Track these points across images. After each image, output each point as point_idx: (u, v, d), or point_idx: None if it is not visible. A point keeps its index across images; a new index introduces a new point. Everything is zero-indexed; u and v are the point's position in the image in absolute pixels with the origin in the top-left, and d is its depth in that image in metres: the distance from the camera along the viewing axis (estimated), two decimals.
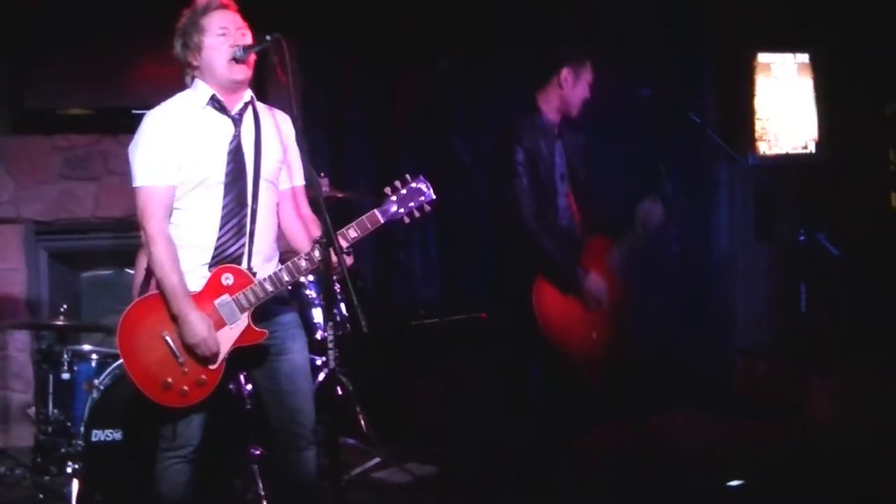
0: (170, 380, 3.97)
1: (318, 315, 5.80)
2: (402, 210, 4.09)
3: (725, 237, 7.48)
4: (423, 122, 7.26)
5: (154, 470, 4.15)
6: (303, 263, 4.03)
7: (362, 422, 6.06)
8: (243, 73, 4.06)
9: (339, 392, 5.73)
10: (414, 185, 4.11)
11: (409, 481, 5.86)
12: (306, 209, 4.30)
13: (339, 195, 5.55)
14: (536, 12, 7.13)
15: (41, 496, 5.52)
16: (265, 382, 4.21)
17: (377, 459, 5.96)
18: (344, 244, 3.95)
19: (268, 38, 4.00)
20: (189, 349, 3.98)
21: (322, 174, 4.13)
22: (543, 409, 5.83)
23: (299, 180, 4.29)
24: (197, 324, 3.94)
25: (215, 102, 4.09)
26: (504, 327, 6.34)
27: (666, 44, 7.17)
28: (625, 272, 5.25)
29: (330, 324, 3.96)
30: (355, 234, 4.03)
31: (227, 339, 4.02)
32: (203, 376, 4.00)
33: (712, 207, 7.39)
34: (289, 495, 4.31)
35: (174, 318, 3.97)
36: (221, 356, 4.01)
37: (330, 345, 3.88)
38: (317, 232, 4.07)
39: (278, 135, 4.21)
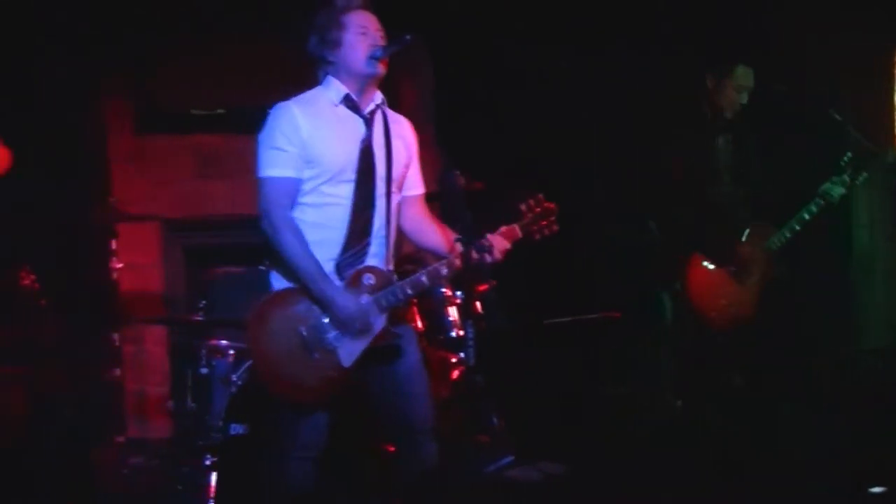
0: (301, 376, 4.00)
1: (452, 313, 5.83)
2: (535, 227, 4.22)
3: (865, 236, 7.30)
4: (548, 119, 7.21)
5: (278, 467, 4.17)
6: (443, 270, 4.10)
7: (495, 420, 6.05)
8: (380, 71, 4.09)
9: (474, 390, 5.73)
10: (547, 204, 4.22)
11: (541, 480, 5.83)
12: (430, 215, 4.37)
13: (475, 188, 5.56)
14: (662, 11, 7.05)
15: (179, 487, 5.62)
16: (383, 383, 4.20)
17: (509, 458, 5.95)
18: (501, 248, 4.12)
19: (406, 38, 4.05)
20: (323, 344, 4.01)
21: (458, 171, 4.17)
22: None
23: (421, 187, 4.37)
24: (344, 300, 3.99)
25: (348, 101, 4.13)
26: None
27: (801, 39, 7.01)
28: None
29: (469, 321, 3.99)
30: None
31: (362, 339, 4.05)
32: (335, 374, 4.03)
33: (852, 206, 7.22)
34: (412, 492, 4.30)
35: (310, 308, 4.00)
36: (356, 355, 4.04)
37: (469, 342, 3.89)
38: (445, 236, 4.20)
39: (405, 140, 4.28)
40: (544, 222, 4.22)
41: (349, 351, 4.03)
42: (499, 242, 4.12)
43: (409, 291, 4.09)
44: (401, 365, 4.15)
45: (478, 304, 5.80)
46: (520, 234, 4.19)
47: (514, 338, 6.48)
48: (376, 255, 4.11)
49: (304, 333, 4.01)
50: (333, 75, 4.14)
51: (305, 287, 4.01)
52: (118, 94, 7.13)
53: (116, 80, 7.11)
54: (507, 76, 7.04)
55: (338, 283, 4.05)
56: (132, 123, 7.15)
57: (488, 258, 4.02)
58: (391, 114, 4.27)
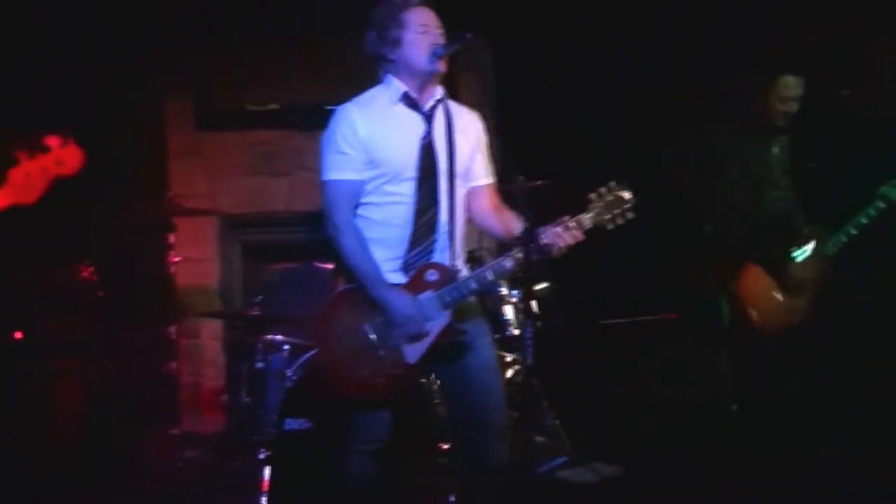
0: (366, 372, 4.00)
1: (508, 312, 5.82)
2: (607, 216, 4.06)
3: None
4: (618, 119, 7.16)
5: (340, 461, 4.18)
6: (507, 263, 4.02)
7: (550, 420, 6.03)
8: (441, 68, 4.07)
9: (529, 390, 5.72)
10: (618, 191, 4.08)
11: (595, 481, 5.81)
12: (500, 204, 4.30)
13: (535, 184, 5.52)
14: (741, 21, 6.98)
15: (231, 481, 5.64)
16: (455, 379, 4.18)
17: (563, 458, 5.93)
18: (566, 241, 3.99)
19: (468, 36, 4.02)
20: (388, 342, 4.00)
21: (518, 171, 4.15)
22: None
23: (490, 177, 4.31)
24: (400, 302, 3.98)
25: (407, 99, 4.11)
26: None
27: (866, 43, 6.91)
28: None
29: (528, 321, 3.95)
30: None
31: (427, 336, 4.03)
32: (400, 371, 4.02)
33: None
34: (476, 491, 4.25)
35: (376, 306, 4.00)
36: (420, 352, 4.03)
37: (528, 342, 3.86)
38: (514, 226, 4.10)
39: (468, 132, 4.22)
40: (617, 210, 4.06)
41: (414, 348, 4.02)
42: (566, 237, 4.00)
43: (474, 286, 4.05)
44: (472, 361, 4.12)
45: (533, 303, 5.79)
46: (588, 224, 4.04)
47: (569, 338, 6.46)
48: (443, 250, 4.09)
49: (369, 332, 4.02)
50: (393, 73, 4.13)
51: (363, 288, 4.02)
52: (178, 90, 7.17)
53: (176, 75, 7.15)
54: (570, 72, 7.00)
55: (403, 280, 4.05)
56: (192, 119, 7.18)
57: (554, 252, 3.99)
58: (454, 106, 4.23)
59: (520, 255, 3.96)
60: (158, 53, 7.03)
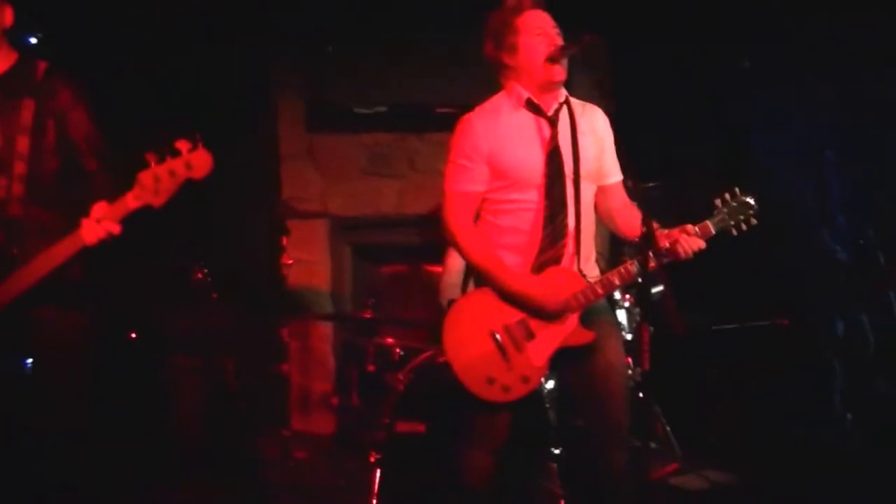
0: (494, 376, 3.99)
1: (621, 316, 5.75)
2: (731, 223, 4.03)
3: None
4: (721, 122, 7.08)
5: (459, 461, 4.17)
6: (634, 268, 4.00)
7: (661, 426, 5.98)
8: (560, 74, 4.02)
9: (641, 395, 5.67)
10: (744, 198, 4.04)
11: (706, 488, 5.75)
12: (628, 202, 4.25)
13: (650, 186, 5.49)
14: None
15: (342, 482, 5.68)
16: (579, 381, 4.13)
17: (676, 465, 5.88)
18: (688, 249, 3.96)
19: (584, 38, 3.98)
20: (516, 345, 4.00)
21: (635, 179, 4.11)
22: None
23: (617, 175, 4.25)
24: (530, 286, 3.98)
25: (531, 104, 4.07)
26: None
27: None
28: None
29: (647, 325, 3.90)
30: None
31: (553, 339, 4.03)
32: (527, 374, 4.01)
33: None
34: (589, 496, 4.24)
35: (503, 309, 4.00)
36: (547, 355, 4.02)
37: (645, 347, 3.81)
38: (638, 226, 4.03)
39: (594, 131, 4.16)
40: (742, 217, 4.02)
41: (541, 351, 4.02)
42: (691, 244, 3.96)
43: (600, 291, 4.03)
44: (599, 361, 4.07)
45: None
46: (713, 230, 4.01)
47: (680, 343, 6.39)
48: (574, 254, 4.06)
49: (497, 337, 4.02)
50: (514, 79, 4.10)
51: (493, 285, 4.02)
52: (290, 92, 7.25)
53: (288, 77, 7.23)
54: (688, 72, 6.93)
55: None
56: (304, 121, 7.26)
57: (681, 257, 3.95)
58: (577, 106, 4.17)
59: (646, 259, 3.91)
60: (272, 56, 7.13)
